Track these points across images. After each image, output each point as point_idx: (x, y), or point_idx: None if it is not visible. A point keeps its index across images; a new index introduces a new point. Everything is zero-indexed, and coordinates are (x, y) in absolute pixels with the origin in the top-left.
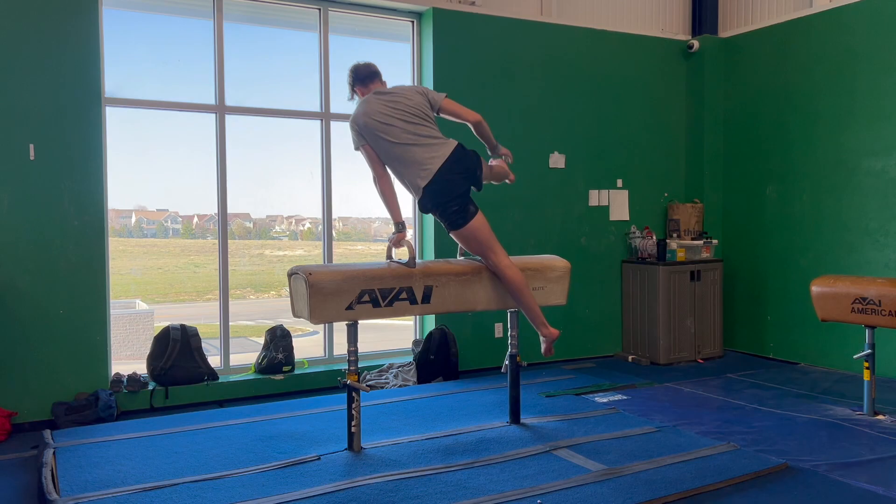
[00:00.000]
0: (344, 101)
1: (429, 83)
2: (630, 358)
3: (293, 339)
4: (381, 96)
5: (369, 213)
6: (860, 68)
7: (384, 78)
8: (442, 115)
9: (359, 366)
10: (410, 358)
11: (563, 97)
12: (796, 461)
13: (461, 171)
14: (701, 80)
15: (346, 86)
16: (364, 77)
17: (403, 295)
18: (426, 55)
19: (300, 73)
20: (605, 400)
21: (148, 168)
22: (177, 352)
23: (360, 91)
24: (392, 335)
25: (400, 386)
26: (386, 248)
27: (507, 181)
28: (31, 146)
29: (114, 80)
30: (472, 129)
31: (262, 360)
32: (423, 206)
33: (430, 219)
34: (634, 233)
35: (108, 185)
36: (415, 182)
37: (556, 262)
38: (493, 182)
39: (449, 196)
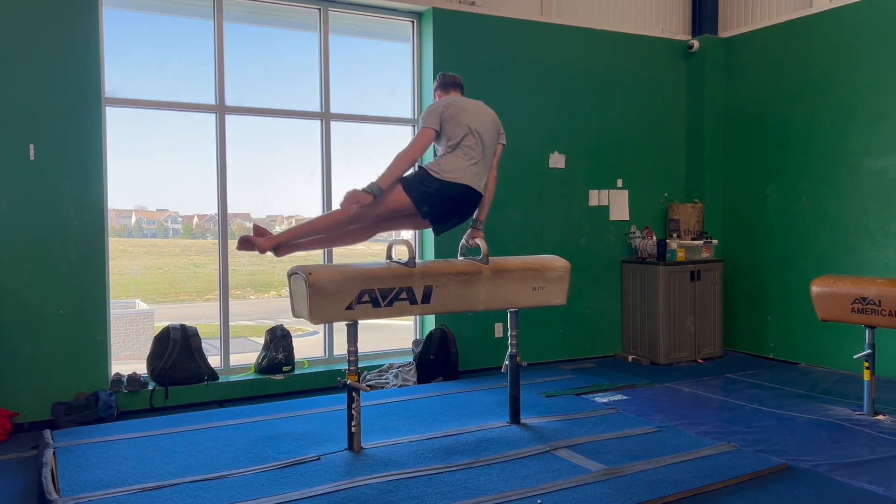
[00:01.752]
0: (344, 101)
1: (429, 83)
2: (630, 358)
3: (293, 339)
4: (474, 102)
5: None
6: (860, 68)
7: (383, 81)
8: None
9: (359, 366)
10: (410, 358)
11: (563, 97)
12: (796, 461)
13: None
14: (701, 80)
15: (346, 85)
16: (447, 84)
17: (403, 295)
18: (426, 55)
19: (300, 73)
20: (605, 400)
21: (148, 168)
22: (177, 352)
23: (440, 96)
24: (392, 335)
25: (400, 386)
26: (386, 248)
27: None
28: (31, 146)
29: (114, 80)
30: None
31: (262, 360)
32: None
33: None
34: (634, 233)
35: (108, 185)
36: (465, 172)
37: (556, 262)
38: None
39: (455, 212)
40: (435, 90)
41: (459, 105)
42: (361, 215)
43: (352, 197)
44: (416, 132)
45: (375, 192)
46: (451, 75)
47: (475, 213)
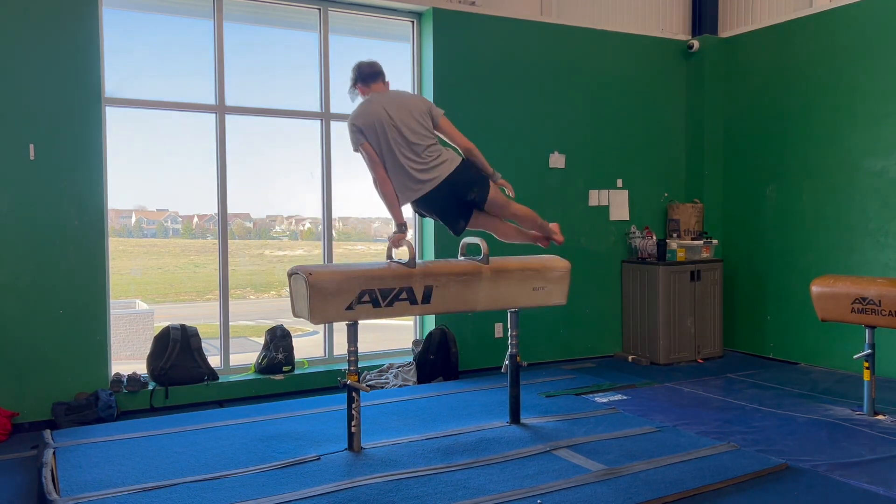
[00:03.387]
0: (344, 101)
1: (429, 83)
2: (630, 358)
3: (293, 339)
4: (384, 97)
5: (369, 213)
6: (860, 68)
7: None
8: (436, 131)
9: (359, 366)
10: (410, 358)
11: (563, 97)
12: (796, 461)
13: (460, 188)
14: (701, 80)
15: (346, 85)
16: (367, 76)
17: (403, 295)
18: (426, 55)
19: (300, 73)
20: (605, 400)
21: (148, 168)
22: (177, 352)
23: (361, 90)
24: (392, 335)
25: (400, 386)
26: (386, 248)
27: (548, 240)
28: (31, 146)
29: (114, 80)
30: (463, 155)
31: (262, 360)
32: (418, 211)
33: (430, 219)
34: (634, 233)
35: (108, 185)
36: (410, 188)
37: (556, 262)
38: (538, 243)
39: (443, 207)
40: (354, 84)
41: (369, 113)
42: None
43: (392, 242)
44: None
45: (402, 229)
46: (369, 64)
47: (485, 173)
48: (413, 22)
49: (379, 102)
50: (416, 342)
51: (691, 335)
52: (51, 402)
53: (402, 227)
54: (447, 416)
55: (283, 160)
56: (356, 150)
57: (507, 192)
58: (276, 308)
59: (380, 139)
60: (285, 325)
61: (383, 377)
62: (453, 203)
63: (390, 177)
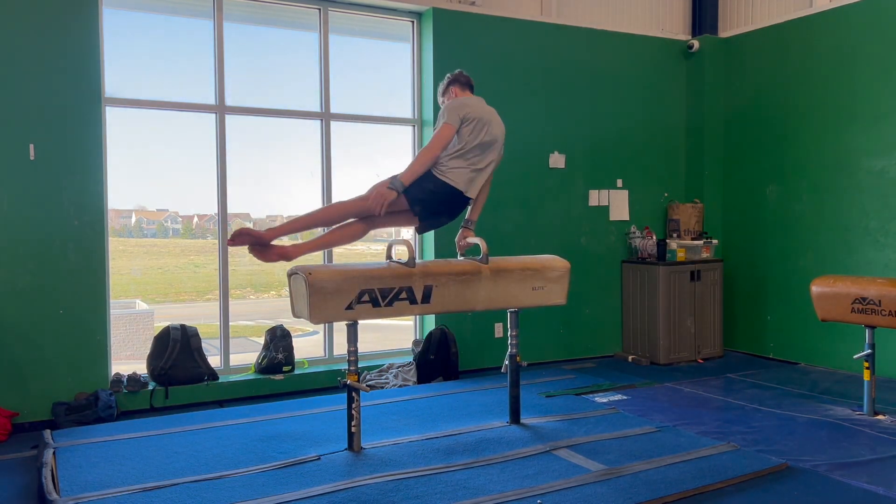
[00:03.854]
0: (344, 101)
1: (429, 83)
2: (630, 358)
3: (293, 339)
4: (488, 107)
5: None
6: (860, 68)
7: (383, 81)
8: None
9: (359, 366)
10: (410, 358)
11: (563, 97)
12: (796, 461)
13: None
14: (701, 80)
15: (347, 85)
16: (465, 84)
17: (403, 295)
18: (426, 55)
19: (300, 73)
20: (605, 400)
21: (148, 168)
22: (177, 352)
23: (456, 92)
24: (392, 335)
25: (400, 386)
26: (386, 248)
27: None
28: (31, 146)
29: (114, 80)
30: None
31: (262, 360)
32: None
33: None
34: (634, 233)
35: (108, 185)
36: (471, 181)
37: (555, 262)
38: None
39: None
40: (450, 85)
41: (479, 110)
42: (361, 209)
43: (379, 196)
44: (437, 126)
45: (399, 188)
46: (466, 75)
47: (467, 213)
48: (413, 22)
49: (489, 109)
50: (416, 342)
51: (691, 335)
52: (51, 402)
53: (400, 184)
54: (447, 416)
55: (283, 160)
56: (446, 122)
57: (472, 241)
58: (276, 308)
59: (468, 131)
60: (285, 325)
61: (383, 377)
62: (450, 212)
63: (453, 162)
